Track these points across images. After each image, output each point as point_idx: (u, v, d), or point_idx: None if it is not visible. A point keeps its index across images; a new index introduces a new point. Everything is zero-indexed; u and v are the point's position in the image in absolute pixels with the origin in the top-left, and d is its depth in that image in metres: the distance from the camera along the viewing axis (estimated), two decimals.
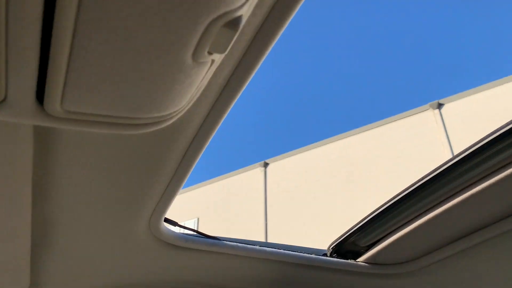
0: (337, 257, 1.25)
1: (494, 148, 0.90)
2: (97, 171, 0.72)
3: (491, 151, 0.90)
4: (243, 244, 1.12)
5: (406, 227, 1.12)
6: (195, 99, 0.53)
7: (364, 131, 11.98)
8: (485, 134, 0.90)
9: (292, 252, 1.19)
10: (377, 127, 11.71)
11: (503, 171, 0.90)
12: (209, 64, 0.44)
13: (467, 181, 0.96)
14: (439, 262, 1.25)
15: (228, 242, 1.10)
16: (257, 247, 1.14)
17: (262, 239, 12.43)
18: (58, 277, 1.08)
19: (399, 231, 1.14)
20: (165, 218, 1.00)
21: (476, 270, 1.27)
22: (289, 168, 13.28)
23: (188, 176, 0.77)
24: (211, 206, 14.59)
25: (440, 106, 10.76)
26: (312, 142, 13.09)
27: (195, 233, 1.10)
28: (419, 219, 1.08)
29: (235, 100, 0.61)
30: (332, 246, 1.26)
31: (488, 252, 1.16)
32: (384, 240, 1.18)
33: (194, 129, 0.64)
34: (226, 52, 0.43)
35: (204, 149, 0.70)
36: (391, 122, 11.47)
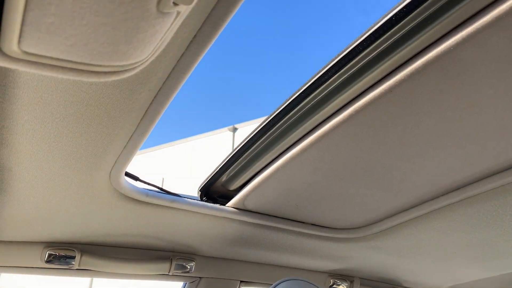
0: (206, 201, 1.18)
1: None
2: (57, 118, 0.71)
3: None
4: (203, 202, 1.14)
5: (266, 169, 1.04)
6: (159, 51, 0.53)
7: None
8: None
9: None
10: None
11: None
12: (174, 16, 0.44)
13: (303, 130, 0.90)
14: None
15: (188, 199, 1.12)
16: (216, 205, 1.16)
17: None
18: (14, 223, 1.07)
19: (260, 174, 1.06)
20: (126, 172, 1.01)
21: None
22: None
23: (150, 130, 0.77)
24: (177, 167, 14.57)
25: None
26: None
27: (156, 188, 1.11)
28: (277, 161, 1.00)
29: (201, 56, 0.61)
30: (199, 188, 1.19)
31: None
32: (249, 184, 1.10)
33: (158, 82, 0.64)
34: (192, 5, 0.43)
35: (168, 104, 0.70)
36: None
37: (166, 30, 0.46)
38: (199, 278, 1.43)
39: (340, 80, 0.79)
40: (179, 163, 14.56)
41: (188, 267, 1.37)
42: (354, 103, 0.80)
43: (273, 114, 0.92)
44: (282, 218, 1.27)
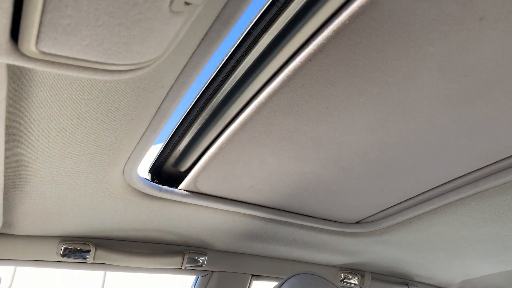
0: (158, 183, 1.10)
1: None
2: (72, 116, 0.72)
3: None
4: (216, 197, 1.16)
5: (212, 147, 0.96)
6: (171, 49, 0.54)
7: None
8: None
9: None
10: None
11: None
12: (186, 15, 0.45)
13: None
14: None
15: (201, 194, 1.13)
16: (229, 200, 1.18)
17: None
18: (31, 218, 1.10)
19: (207, 153, 0.98)
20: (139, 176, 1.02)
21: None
22: None
23: (163, 127, 0.78)
24: None
25: None
26: None
27: (168, 184, 1.13)
28: (220, 138, 0.92)
29: (212, 54, 0.62)
30: (148, 170, 1.12)
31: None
32: (197, 164, 1.03)
33: (170, 80, 0.65)
34: (203, 4, 0.44)
35: (180, 101, 0.71)
36: None
37: (178, 29, 0.47)
38: (211, 272, 1.45)
39: (268, 44, 0.72)
40: None
41: (200, 261, 1.39)
42: (285, 68, 0.73)
43: (204, 85, 0.84)
44: (291, 212, 1.28)
